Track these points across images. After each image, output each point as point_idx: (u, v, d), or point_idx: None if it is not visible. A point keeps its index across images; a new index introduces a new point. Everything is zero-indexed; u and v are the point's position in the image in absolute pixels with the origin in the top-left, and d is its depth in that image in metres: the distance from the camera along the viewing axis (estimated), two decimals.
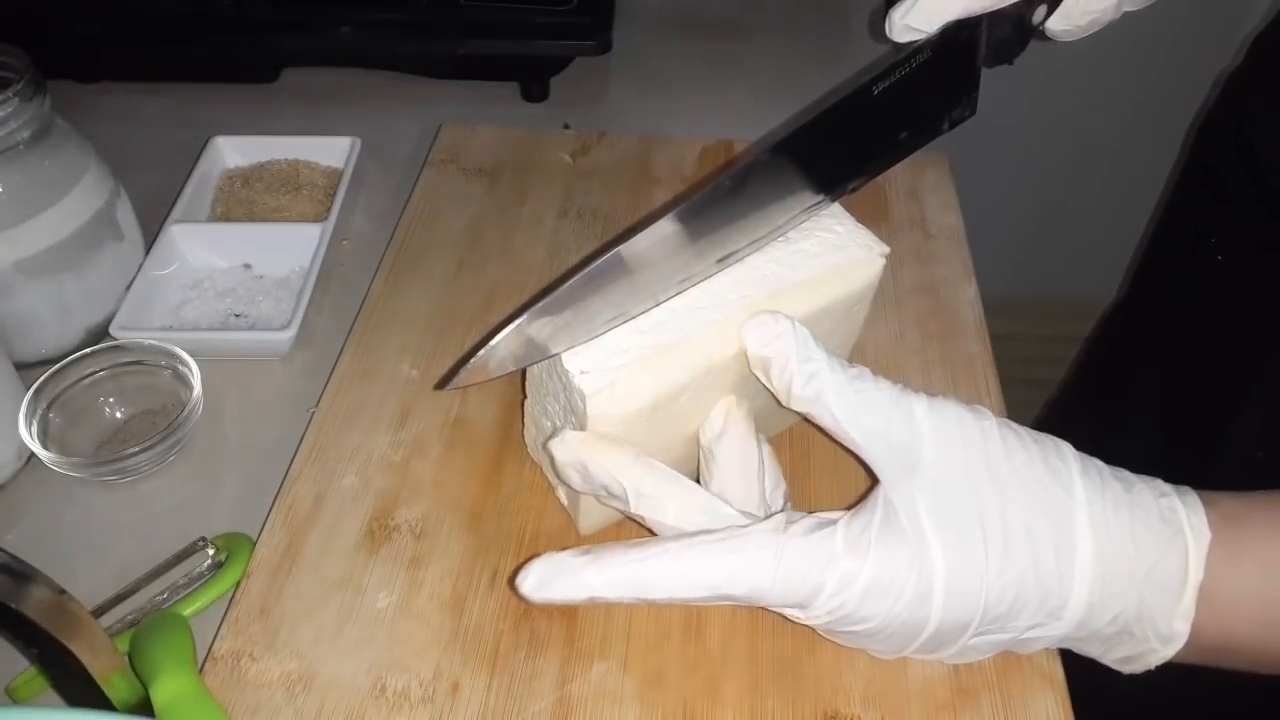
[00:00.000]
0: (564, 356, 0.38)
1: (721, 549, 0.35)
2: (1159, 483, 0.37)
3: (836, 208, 0.44)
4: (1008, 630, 0.36)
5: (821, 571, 0.35)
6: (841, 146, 0.43)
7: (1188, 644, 0.36)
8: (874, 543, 0.35)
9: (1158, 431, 0.67)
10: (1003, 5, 0.42)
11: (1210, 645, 0.36)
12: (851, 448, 0.37)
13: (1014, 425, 0.37)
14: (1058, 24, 0.45)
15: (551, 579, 0.35)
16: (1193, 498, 0.37)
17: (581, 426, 0.39)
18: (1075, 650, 0.38)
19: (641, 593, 0.35)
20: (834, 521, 0.36)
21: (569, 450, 0.38)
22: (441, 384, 0.43)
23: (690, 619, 0.43)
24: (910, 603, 0.35)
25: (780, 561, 0.34)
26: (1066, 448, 0.37)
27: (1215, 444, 0.60)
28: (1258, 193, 0.58)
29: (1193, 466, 0.43)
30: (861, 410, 0.36)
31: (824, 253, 0.42)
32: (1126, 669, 0.38)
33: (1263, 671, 0.38)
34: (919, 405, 0.37)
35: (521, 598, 0.35)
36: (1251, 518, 0.36)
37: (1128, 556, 0.35)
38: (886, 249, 0.44)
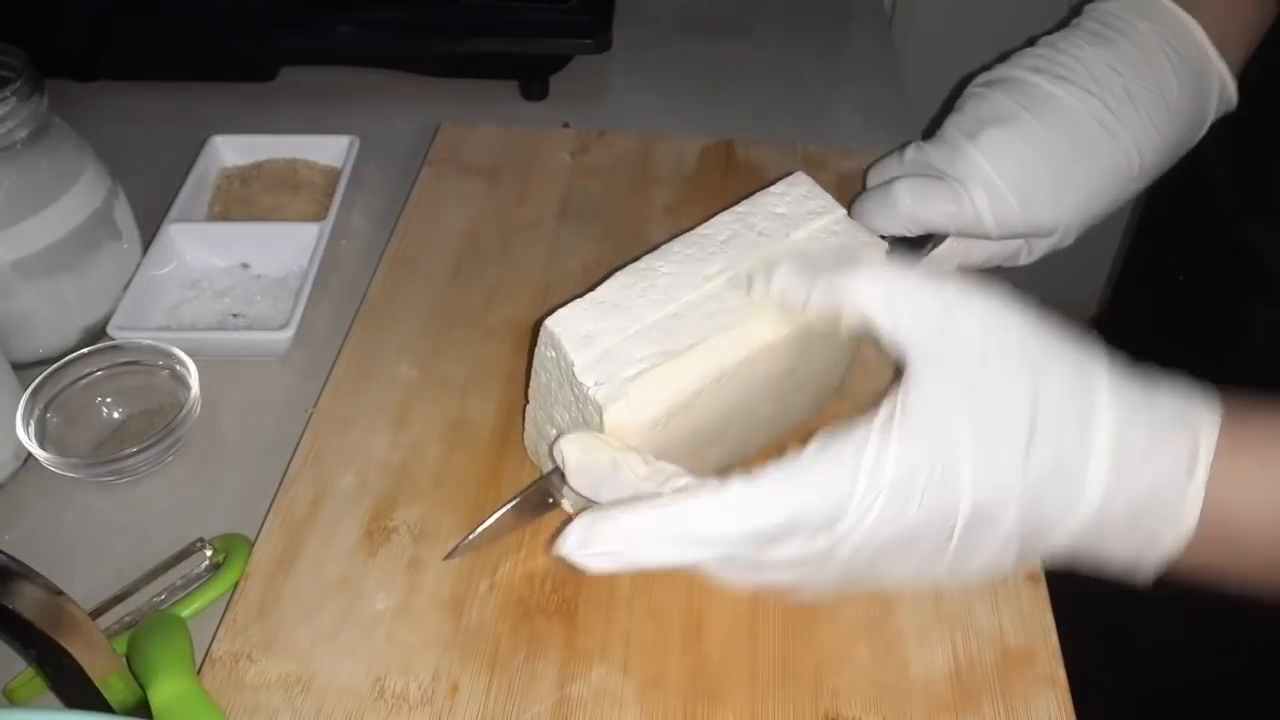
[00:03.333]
0: (578, 369, 0.38)
1: (757, 478, 0.34)
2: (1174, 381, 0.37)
3: (832, 208, 0.44)
4: (1033, 522, 0.35)
5: (852, 465, 0.33)
6: None
7: (1194, 539, 0.35)
8: (898, 428, 0.34)
9: None
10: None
11: (1215, 542, 0.35)
12: (878, 335, 0.36)
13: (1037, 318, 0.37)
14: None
15: (592, 534, 0.34)
16: (1207, 392, 0.36)
17: None
18: (1081, 557, 0.37)
19: (684, 535, 0.34)
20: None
21: (584, 451, 0.37)
22: (450, 556, 0.45)
23: (690, 621, 0.43)
24: (940, 488, 0.34)
25: (813, 468, 0.34)
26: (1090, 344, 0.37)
27: None
28: (1211, 225, 0.60)
29: None
30: (898, 300, 0.36)
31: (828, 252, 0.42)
32: (1134, 574, 0.37)
33: (1260, 588, 0.37)
34: (949, 291, 0.36)
35: (565, 561, 0.34)
36: (1264, 420, 0.36)
37: (1143, 434, 0.35)
38: (885, 243, 0.44)
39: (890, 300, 0.36)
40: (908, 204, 0.48)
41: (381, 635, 0.42)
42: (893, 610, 0.43)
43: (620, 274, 0.41)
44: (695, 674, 0.41)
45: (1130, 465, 0.35)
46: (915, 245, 0.50)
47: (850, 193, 0.64)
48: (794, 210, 0.44)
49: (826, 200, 0.44)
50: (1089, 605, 0.54)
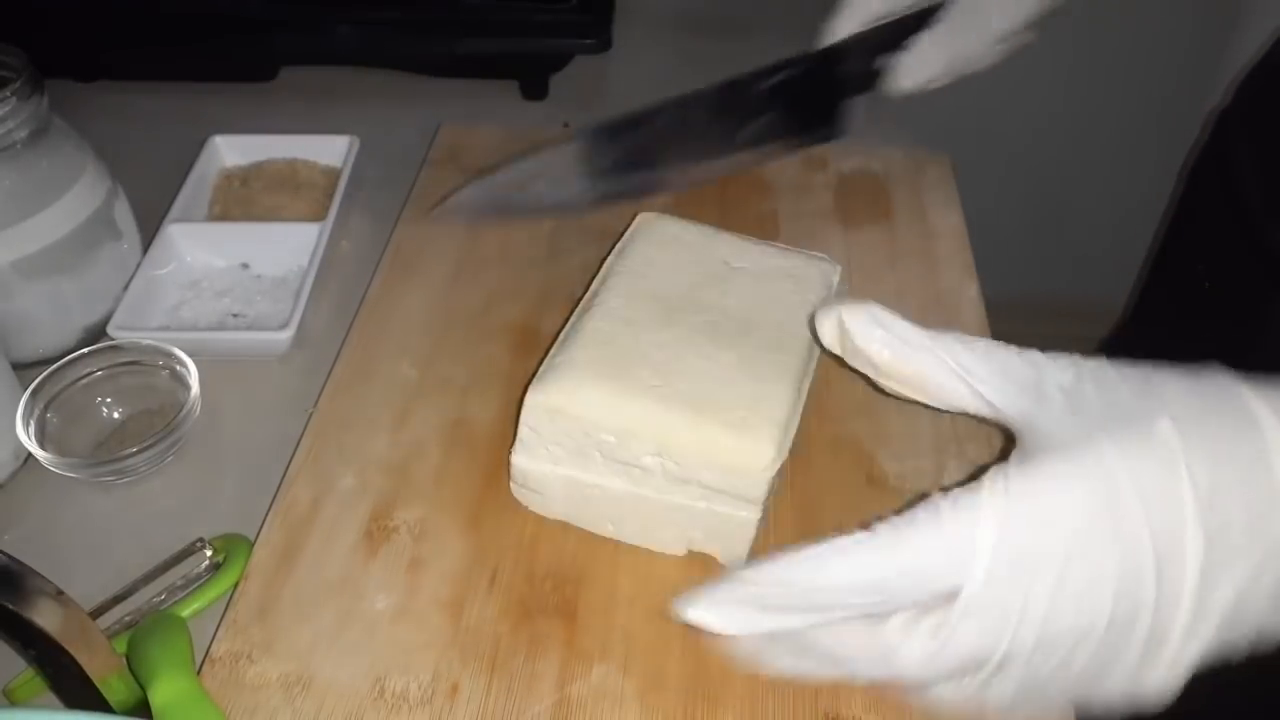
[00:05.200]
0: None
1: (879, 533, 0.30)
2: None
3: (786, 261, 0.48)
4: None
5: (970, 527, 0.29)
6: (722, 124, 0.56)
7: None
8: (1023, 476, 0.29)
9: None
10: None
11: None
12: (979, 407, 0.33)
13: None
14: (906, 80, 0.54)
15: (714, 598, 0.32)
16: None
17: None
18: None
19: (800, 591, 0.31)
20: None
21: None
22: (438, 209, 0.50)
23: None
24: (1096, 530, 0.28)
25: (926, 527, 0.30)
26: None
27: None
28: (1239, 228, 0.59)
29: None
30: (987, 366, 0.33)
31: (793, 309, 0.46)
32: None
33: None
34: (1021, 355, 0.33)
35: (688, 622, 0.32)
36: None
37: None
38: (838, 265, 0.48)
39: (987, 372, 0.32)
40: None
41: (382, 635, 0.42)
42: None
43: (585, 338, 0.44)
44: (695, 674, 0.41)
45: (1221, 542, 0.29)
46: (896, 35, 0.54)
47: (853, 193, 0.65)
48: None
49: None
50: None
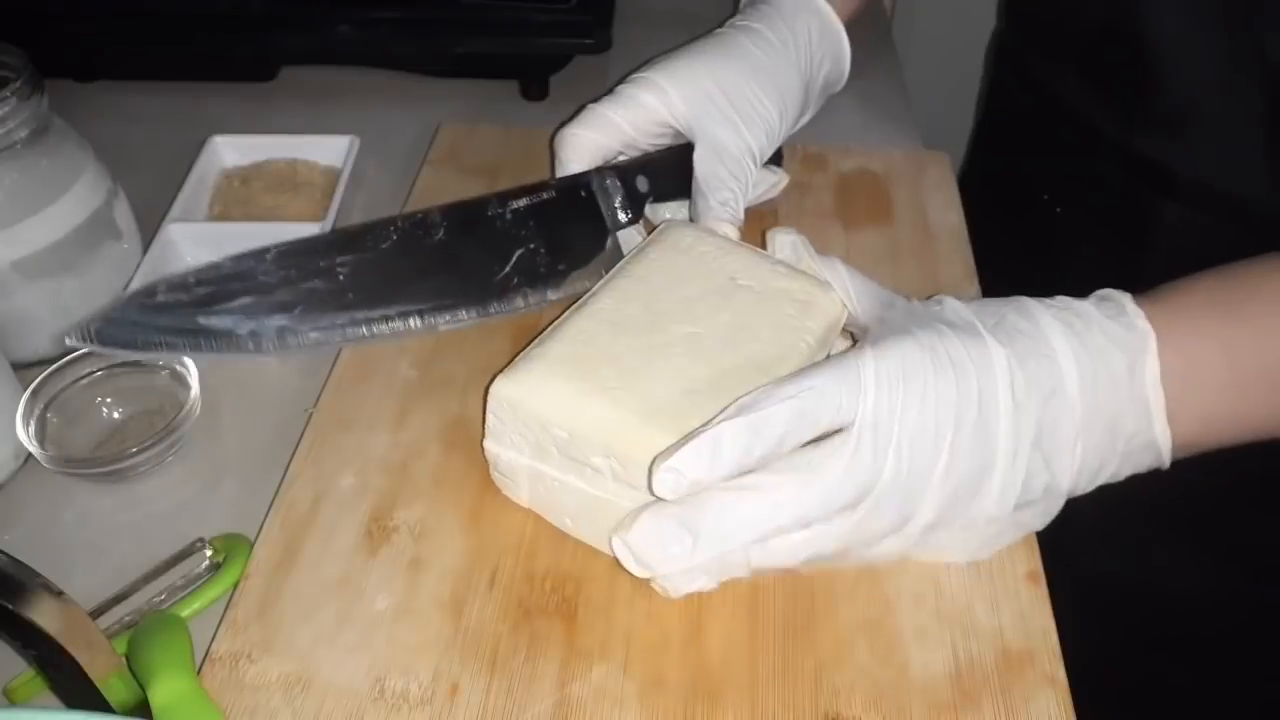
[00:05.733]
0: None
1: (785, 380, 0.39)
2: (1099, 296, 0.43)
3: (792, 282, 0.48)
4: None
5: (856, 364, 0.39)
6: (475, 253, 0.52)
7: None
8: (882, 342, 0.40)
9: None
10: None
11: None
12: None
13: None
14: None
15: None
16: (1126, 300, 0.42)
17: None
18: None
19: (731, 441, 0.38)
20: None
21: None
22: None
23: (690, 621, 0.43)
24: (952, 367, 0.39)
25: (825, 366, 0.39)
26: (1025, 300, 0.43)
27: None
28: (1077, 143, 0.63)
29: None
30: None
31: (786, 333, 0.45)
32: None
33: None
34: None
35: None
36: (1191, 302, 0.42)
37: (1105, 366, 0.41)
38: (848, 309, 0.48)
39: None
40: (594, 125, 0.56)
41: (382, 635, 0.42)
42: (892, 610, 0.43)
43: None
44: (695, 674, 0.41)
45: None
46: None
47: (853, 193, 0.65)
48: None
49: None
50: (1089, 605, 0.54)
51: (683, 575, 0.40)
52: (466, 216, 0.52)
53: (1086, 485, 0.42)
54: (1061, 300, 0.43)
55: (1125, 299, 0.42)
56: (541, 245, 0.53)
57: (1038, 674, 0.41)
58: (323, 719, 0.40)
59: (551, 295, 0.53)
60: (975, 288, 0.58)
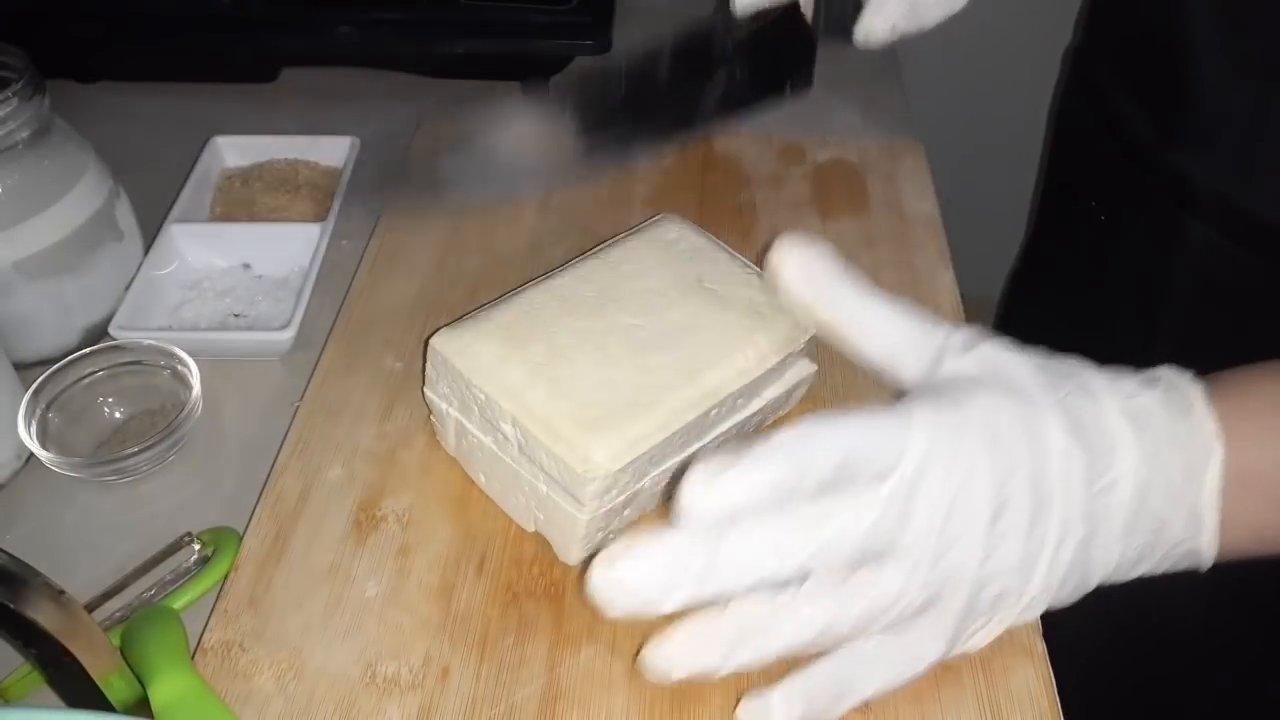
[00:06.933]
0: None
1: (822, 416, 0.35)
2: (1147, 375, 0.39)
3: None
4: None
5: (905, 418, 0.35)
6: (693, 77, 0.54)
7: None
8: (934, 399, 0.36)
9: None
10: None
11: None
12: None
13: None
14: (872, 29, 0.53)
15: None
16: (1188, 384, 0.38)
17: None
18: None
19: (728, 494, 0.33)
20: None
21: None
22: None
23: None
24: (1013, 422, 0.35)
25: (861, 415, 0.34)
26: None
27: None
28: (1125, 153, 0.62)
29: None
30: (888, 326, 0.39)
31: (733, 345, 0.44)
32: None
33: None
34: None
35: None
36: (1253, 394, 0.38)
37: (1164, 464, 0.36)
38: (811, 333, 0.45)
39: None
40: None
41: (372, 621, 0.43)
42: None
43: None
44: None
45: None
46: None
47: (829, 183, 0.65)
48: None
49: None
50: (1079, 607, 0.54)
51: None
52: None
53: (1109, 582, 0.38)
54: (1128, 386, 0.38)
55: (1196, 395, 0.37)
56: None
57: (1017, 647, 0.41)
58: (315, 705, 0.40)
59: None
60: (950, 273, 0.59)
